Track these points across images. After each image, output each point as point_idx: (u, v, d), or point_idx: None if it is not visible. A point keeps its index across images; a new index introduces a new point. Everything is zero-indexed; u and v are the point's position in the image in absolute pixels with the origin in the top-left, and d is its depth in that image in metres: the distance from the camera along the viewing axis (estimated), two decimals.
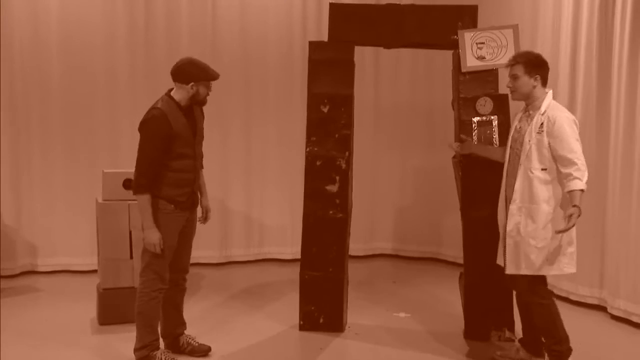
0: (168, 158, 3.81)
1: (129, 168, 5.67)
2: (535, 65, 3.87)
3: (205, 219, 4.27)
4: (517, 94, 3.93)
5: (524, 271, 3.85)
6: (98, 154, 6.14)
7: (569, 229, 3.69)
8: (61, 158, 6.12)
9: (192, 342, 4.20)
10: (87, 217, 5.86)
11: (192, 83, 3.84)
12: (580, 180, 3.68)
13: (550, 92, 3.90)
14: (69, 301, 5.32)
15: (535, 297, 3.89)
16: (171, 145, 3.79)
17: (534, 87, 3.87)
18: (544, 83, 3.90)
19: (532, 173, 3.80)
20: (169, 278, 3.94)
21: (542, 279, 3.93)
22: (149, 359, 3.93)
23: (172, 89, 3.92)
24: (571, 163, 3.70)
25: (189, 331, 4.28)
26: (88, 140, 6.12)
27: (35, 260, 6.16)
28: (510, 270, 3.90)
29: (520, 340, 4.19)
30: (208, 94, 3.96)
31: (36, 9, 5.97)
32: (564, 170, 3.72)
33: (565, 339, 3.89)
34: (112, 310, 4.72)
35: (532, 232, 3.80)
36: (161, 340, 4.11)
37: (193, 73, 3.85)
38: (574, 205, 3.66)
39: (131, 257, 4.77)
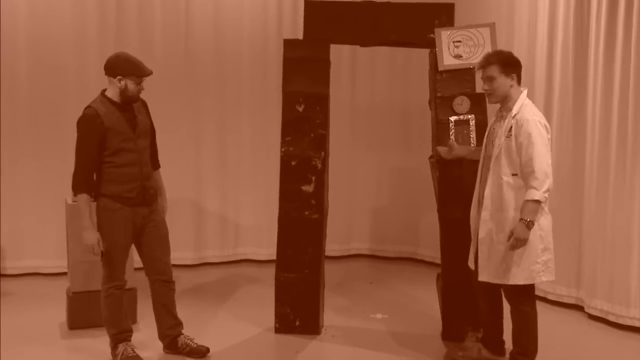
0: (107, 154, 3.84)
1: None
2: (511, 64, 3.76)
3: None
4: (494, 97, 3.81)
5: (495, 280, 3.78)
6: (68, 153, 5.95)
7: (512, 249, 3.65)
8: (30, 158, 5.96)
9: (191, 342, 4.20)
10: (56, 218, 5.72)
11: (119, 76, 3.85)
12: (536, 189, 3.56)
13: (524, 92, 3.79)
14: (37, 305, 5.19)
15: (514, 302, 3.83)
16: (107, 141, 3.82)
17: (511, 86, 3.76)
18: (520, 82, 3.81)
19: (502, 179, 3.71)
20: (122, 277, 4.02)
21: (527, 288, 3.82)
22: (113, 350, 4.06)
23: (106, 89, 3.95)
24: (530, 172, 3.60)
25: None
26: (58, 139, 5.95)
27: (3, 263, 5.99)
28: (482, 277, 3.82)
29: (481, 340, 4.14)
30: (140, 91, 3.94)
31: (2, 3, 5.80)
32: (524, 177, 3.64)
33: (533, 352, 3.82)
34: (82, 314, 4.61)
35: (503, 240, 3.71)
36: (159, 340, 4.21)
37: (120, 67, 3.87)
38: (521, 219, 3.58)
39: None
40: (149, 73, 3.93)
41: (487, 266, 3.81)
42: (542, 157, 3.59)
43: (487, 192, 3.78)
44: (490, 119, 3.99)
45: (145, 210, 3.99)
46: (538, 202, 3.58)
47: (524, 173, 3.63)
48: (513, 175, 3.68)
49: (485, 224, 3.80)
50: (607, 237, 4.83)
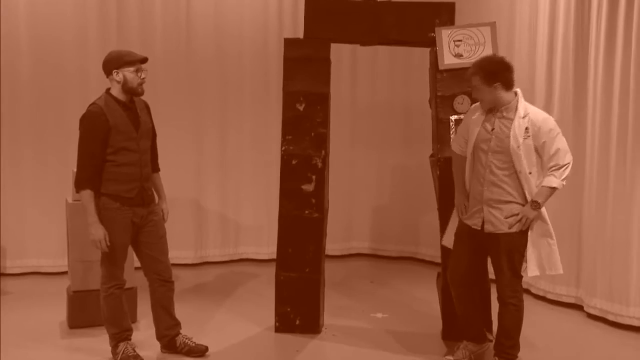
0: (109, 152, 3.83)
1: None
2: (491, 73, 3.76)
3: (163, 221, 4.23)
4: (484, 103, 3.85)
5: (550, 272, 3.90)
6: (69, 153, 5.98)
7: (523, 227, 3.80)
8: (30, 157, 5.96)
9: (189, 342, 4.20)
10: (57, 217, 5.73)
11: (115, 70, 3.85)
12: (555, 177, 3.76)
13: (519, 92, 3.85)
14: (38, 304, 5.20)
15: (514, 299, 3.89)
16: (110, 139, 3.82)
17: (497, 94, 3.78)
18: (507, 86, 3.80)
19: (525, 173, 3.77)
20: (122, 276, 4.03)
21: (521, 281, 3.95)
22: (113, 349, 4.06)
23: (110, 88, 3.95)
24: (554, 163, 3.77)
25: None
26: (58, 139, 5.95)
27: (4, 262, 5.99)
28: (533, 272, 3.88)
29: (466, 337, 4.14)
30: (142, 82, 3.92)
31: (3, 3, 5.80)
32: (547, 167, 3.79)
33: (519, 345, 3.96)
34: (82, 313, 4.61)
35: (546, 231, 3.85)
36: (159, 339, 4.21)
37: (112, 61, 3.88)
38: (534, 201, 3.74)
39: None
40: (140, 57, 3.92)
41: (537, 261, 3.87)
42: (566, 149, 3.80)
43: (525, 191, 3.79)
44: (472, 119, 3.93)
45: (143, 211, 3.98)
46: (554, 189, 3.77)
47: (550, 165, 3.79)
48: (529, 173, 3.79)
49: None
50: (606, 236, 4.83)
